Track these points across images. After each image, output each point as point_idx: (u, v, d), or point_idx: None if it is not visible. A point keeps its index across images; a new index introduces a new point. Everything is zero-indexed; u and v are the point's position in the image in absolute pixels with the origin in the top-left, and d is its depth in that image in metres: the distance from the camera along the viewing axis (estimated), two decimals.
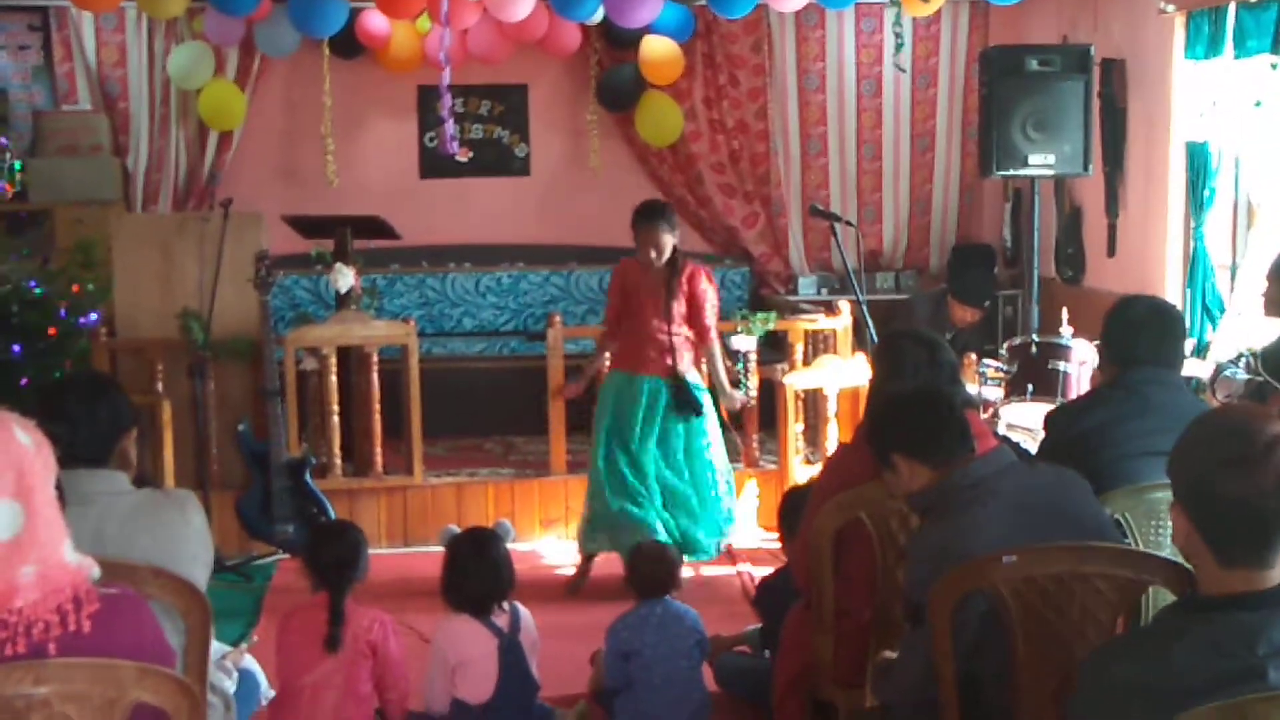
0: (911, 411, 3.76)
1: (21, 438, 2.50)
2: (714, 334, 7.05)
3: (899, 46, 5.70)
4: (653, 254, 6.85)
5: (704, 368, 7.19)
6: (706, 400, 7.09)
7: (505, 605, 4.88)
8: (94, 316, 8.22)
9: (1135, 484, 4.07)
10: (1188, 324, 7.62)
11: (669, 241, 6.85)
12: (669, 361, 6.92)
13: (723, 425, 8.43)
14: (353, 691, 4.60)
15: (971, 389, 6.99)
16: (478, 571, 4.85)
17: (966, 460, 3.63)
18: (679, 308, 6.90)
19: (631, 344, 7.06)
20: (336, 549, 4.76)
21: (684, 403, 6.95)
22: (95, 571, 2.59)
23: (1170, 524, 3.38)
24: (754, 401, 7.80)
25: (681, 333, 6.94)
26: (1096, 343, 4.85)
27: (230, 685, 4.39)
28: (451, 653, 4.77)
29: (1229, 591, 2.58)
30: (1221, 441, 2.59)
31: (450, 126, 4.84)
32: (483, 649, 4.77)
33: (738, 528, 7.32)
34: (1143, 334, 4.46)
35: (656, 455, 7.02)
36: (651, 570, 5.30)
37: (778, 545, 5.96)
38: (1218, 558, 2.58)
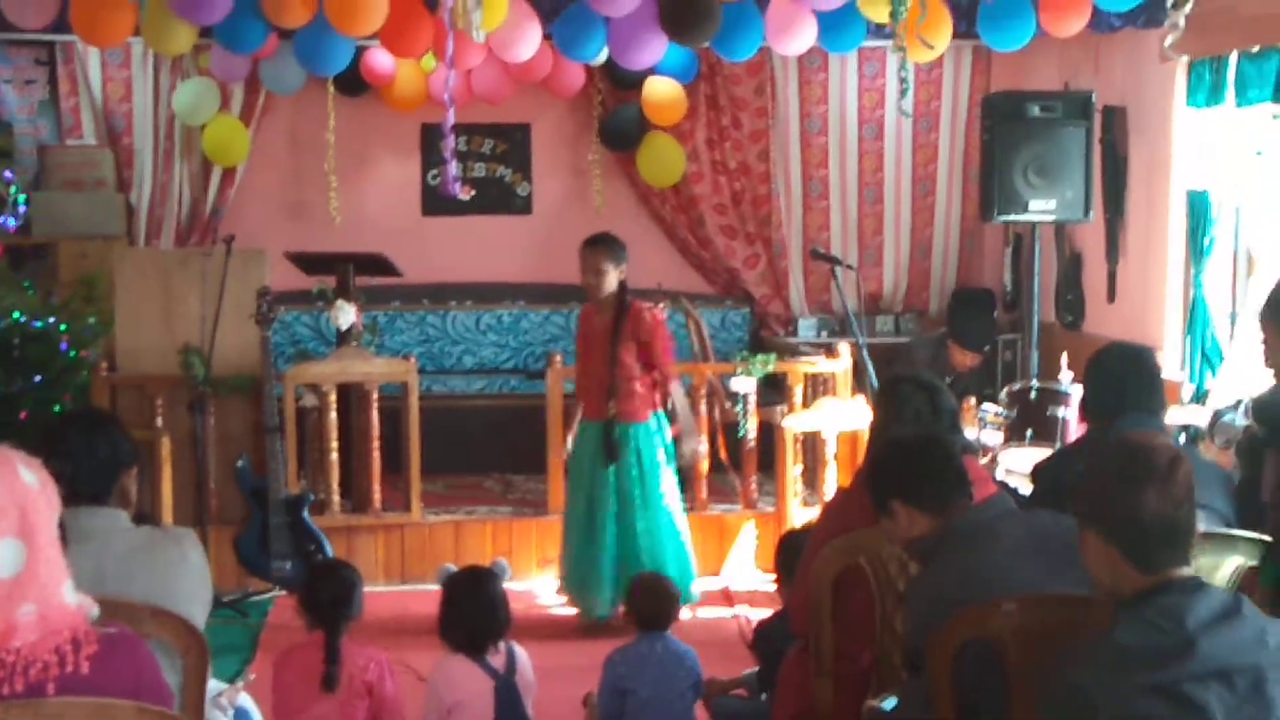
0: (910, 458, 3.77)
1: (26, 476, 2.49)
2: (671, 374, 7.07)
3: (904, 92, 5.79)
4: (591, 279, 6.89)
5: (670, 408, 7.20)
6: (644, 446, 7.08)
7: (501, 645, 4.88)
8: (86, 354, 8.22)
9: None
10: (1187, 371, 7.65)
11: (610, 271, 6.88)
12: (613, 406, 6.92)
13: (720, 467, 8.49)
14: None
15: (970, 433, 6.99)
16: (474, 611, 4.85)
17: (965, 507, 3.63)
18: (626, 352, 6.90)
19: (587, 389, 7.11)
20: (331, 588, 4.76)
21: (608, 447, 6.95)
22: (95, 611, 2.58)
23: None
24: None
25: (631, 377, 6.94)
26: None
27: None
28: (447, 694, 4.76)
29: (1148, 585, 2.84)
30: (1129, 467, 2.85)
31: (453, 168, 4.87)
32: (478, 690, 4.76)
33: (696, 584, 7.29)
34: (1120, 383, 4.49)
35: (613, 503, 7.01)
36: (651, 601, 5.30)
37: (775, 588, 5.95)
38: (1140, 568, 2.84)
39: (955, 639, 3.35)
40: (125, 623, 2.94)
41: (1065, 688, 2.81)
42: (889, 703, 3.81)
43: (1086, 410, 4.70)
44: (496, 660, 4.82)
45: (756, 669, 5.62)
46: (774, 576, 5.75)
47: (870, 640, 4.18)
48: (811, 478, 8.20)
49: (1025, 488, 6.21)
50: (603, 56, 8.12)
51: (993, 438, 7.18)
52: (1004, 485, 6.11)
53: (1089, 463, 2.99)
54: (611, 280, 6.90)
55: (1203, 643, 2.74)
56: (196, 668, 3.30)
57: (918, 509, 3.66)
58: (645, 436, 7.03)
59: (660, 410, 7.11)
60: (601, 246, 6.94)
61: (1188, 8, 4.48)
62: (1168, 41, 4.70)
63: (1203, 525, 3.16)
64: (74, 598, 2.54)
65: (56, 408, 8.08)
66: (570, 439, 7.31)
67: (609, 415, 6.94)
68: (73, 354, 8.24)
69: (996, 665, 3.34)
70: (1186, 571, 2.85)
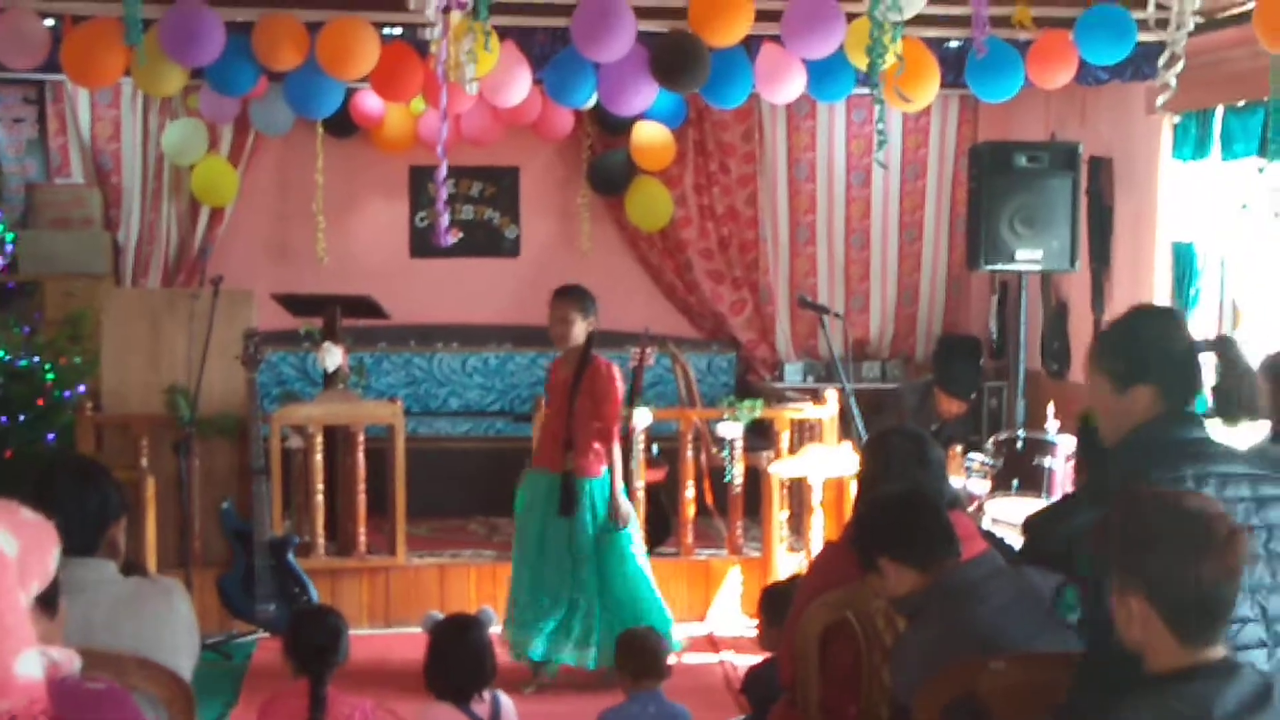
0: (896, 515, 3.77)
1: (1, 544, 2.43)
2: (613, 436, 6.95)
3: (882, 143, 5.86)
4: (558, 329, 6.85)
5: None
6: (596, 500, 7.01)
7: (486, 694, 4.85)
8: (69, 393, 8.20)
9: None
10: None
11: (577, 321, 6.83)
12: (567, 459, 6.88)
13: (706, 511, 8.49)
14: None
15: (957, 482, 7.00)
16: (460, 659, 4.83)
17: (953, 564, 3.64)
18: (583, 406, 6.87)
19: (545, 439, 7.08)
20: (317, 634, 4.72)
21: (565, 500, 6.89)
22: (75, 664, 2.54)
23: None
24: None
25: (589, 431, 6.89)
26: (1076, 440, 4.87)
27: None
28: None
29: (1180, 666, 2.72)
30: (1189, 534, 2.72)
31: (445, 220, 4.88)
32: None
33: (677, 630, 7.17)
34: None
35: (569, 554, 6.96)
36: (640, 656, 5.27)
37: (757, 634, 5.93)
38: (1179, 638, 2.72)
39: (942, 696, 3.35)
40: (112, 674, 2.92)
41: None
42: None
43: (1080, 459, 4.69)
44: (481, 709, 4.80)
45: (745, 717, 5.61)
46: (756, 624, 5.76)
47: (857, 694, 4.18)
48: (797, 523, 8.19)
49: (1011, 537, 6.23)
50: (592, 101, 8.15)
51: (979, 486, 7.19)
52: (990, 536, 6.13)
53: (1136, 519, 2.81)
54: (578, 331, 6.85)
55: None
56: (182, 718, 3.29)
57: (905, 565, 3.66)
58: (600, 491, 6.99)
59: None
60: (571, 297, 6.91)
61: (1179, 67, 4.50)
62: (1160, 101, 4.71)
63: None
64: (33, 669, 2.46)
65: (40, 447, 8.06)
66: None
67: (566, 468, 6.91)
68: (57, 393, 8.23)
69: None
70: (1220, 651, 2.75)
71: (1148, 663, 2.77)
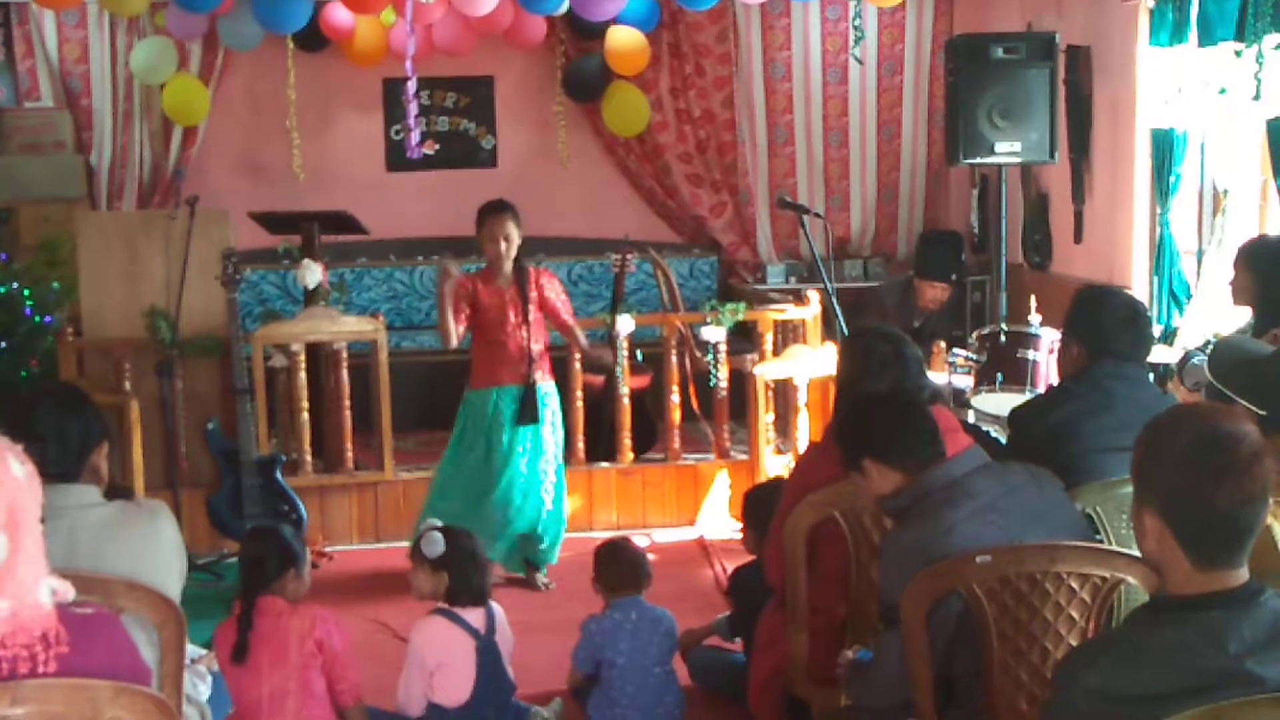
0: (878, 416, 3.76)
1: (16, 470, 2.45)
2: (576, 326, 7.15)
3: (858, 39, 5.81)
4: (502, 245, 6.76)
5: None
6: (553, 406, 7.07)
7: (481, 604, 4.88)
8: (49, 319, 8.16)
9: (1103, 478, 4.08)
10: (1155, 310, 7.67)
11: (515, 237, 6.80)
12: (526, 371, 6.90)
13: (693, 416, 8.49)
14: (310, 693, 4.47)
15: (940, 378, 7.00)
16: (473, 570, 4.89)
17: (937, 462, 3.63)
18: (535, 315, 6.88)
19: (492, 358, 7.01)
20: (251, 550, 4.60)
21: (527, 409, 6.90)
22: (70, 594, 2.56)
23: None
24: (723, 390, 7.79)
25: (540, 342, 6.93)
26: (1062, 330, 4.83)
27: (205, 690, 4.38)
28: (430, 656, 4.77)
29: (1200, 591, 2.57)
30: (1207, 451, 2.56)
31: (416, 135, 4.83)
32: (461, 651, 4.77)
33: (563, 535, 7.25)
34: (1125, 332, 4.50)
35: (505, 464, 6.99)
36: (614, 567, 5.27)
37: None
38: (1194, 560, 2.57)
39: (930, 592, 3.37)
40: (100, 598, 2.93)
41: (1081, 690, 2.56)
42: (864, 654, 3.83)
43: (1073, 347, 4.64)
44: (477, 620, 4.83)
45: (728, 614, 5.64)
46: (740, 527, 5.78)
47: (846, 593, 4.20)
48: (784, 425, 8.19)
49: (996, 431, 6.25)
50: (564, 7, 8.07)
51: (963, 381, 7.17)
52: (976, 430, 6.15)
53: (1159, 431, 2.64)
54: (515, 244, 6.82)
55: (1250, 666, 2.48)
56: (173, 640, 3.30)
57: (889, 466, 3.66)
58: (552, 396, 7.06)
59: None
60: (511, 212, 6.80)
61: None
62: None
63: None
64: (48, 597, 2.50)
65: (23, 373, 8.03)
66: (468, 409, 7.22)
67: (529, 380, 6.89)
68: (37, 319, 8.18)
69: (973, 629, 3.37)
70: (1241, 575, 2.58)
71: (1164, 582, 2.64)
